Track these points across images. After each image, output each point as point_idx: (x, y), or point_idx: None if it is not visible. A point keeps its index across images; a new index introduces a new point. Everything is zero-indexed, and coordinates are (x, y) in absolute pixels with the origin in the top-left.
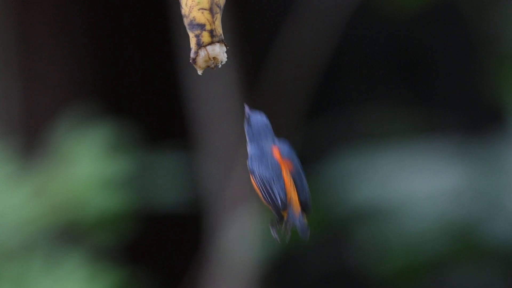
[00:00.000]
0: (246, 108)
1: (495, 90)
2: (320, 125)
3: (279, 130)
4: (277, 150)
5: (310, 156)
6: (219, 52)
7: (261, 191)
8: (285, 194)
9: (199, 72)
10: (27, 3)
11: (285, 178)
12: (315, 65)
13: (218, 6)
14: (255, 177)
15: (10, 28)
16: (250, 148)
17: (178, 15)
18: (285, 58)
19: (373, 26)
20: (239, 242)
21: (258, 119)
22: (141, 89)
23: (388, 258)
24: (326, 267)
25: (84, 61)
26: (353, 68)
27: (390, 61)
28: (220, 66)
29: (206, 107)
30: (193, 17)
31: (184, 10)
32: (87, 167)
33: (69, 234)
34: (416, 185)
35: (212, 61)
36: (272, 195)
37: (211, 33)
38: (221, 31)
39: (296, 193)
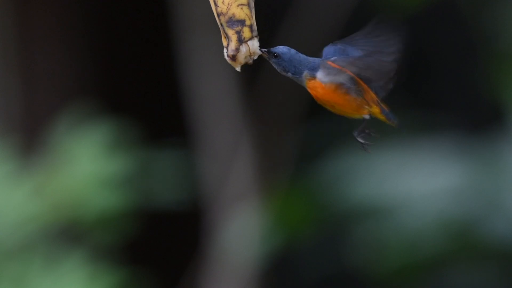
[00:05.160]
0: (263, 50)
1: (495, 90)
2: (320, 124)
3: (279, 129)
4: (331, 62)
5: (309, 154)
6: (257, 46)
7: (343, 93)
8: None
9: (238, 69)
10: (27, 3)
11: (357, 79)
12: None
13: (253, 0)
14: (330, 84)
15: (10, 28)
16: (300, 72)
17: (177, 15)
18: None
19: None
20: (239, 240)
21: (284, 49)
22: (140, 88)
23: (387, 256)
24: (325, 266)
25: (84, 60)
26: None
27: None
28: (253, 60)
29: (206, 106)
30: (233, 13)
31: (221, 8)
32: (87, 166)
33: (68, 233)
34: (415, 183)
35: (250, 56)
36: (358, 92)
37: (251, 28)
38: (255, 25)
39: (373, 92)
